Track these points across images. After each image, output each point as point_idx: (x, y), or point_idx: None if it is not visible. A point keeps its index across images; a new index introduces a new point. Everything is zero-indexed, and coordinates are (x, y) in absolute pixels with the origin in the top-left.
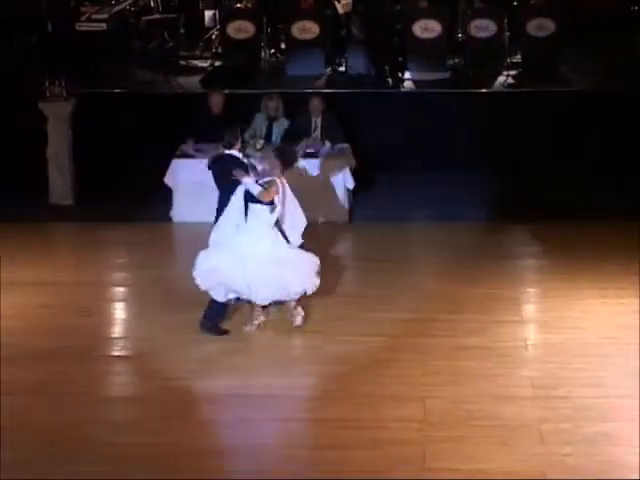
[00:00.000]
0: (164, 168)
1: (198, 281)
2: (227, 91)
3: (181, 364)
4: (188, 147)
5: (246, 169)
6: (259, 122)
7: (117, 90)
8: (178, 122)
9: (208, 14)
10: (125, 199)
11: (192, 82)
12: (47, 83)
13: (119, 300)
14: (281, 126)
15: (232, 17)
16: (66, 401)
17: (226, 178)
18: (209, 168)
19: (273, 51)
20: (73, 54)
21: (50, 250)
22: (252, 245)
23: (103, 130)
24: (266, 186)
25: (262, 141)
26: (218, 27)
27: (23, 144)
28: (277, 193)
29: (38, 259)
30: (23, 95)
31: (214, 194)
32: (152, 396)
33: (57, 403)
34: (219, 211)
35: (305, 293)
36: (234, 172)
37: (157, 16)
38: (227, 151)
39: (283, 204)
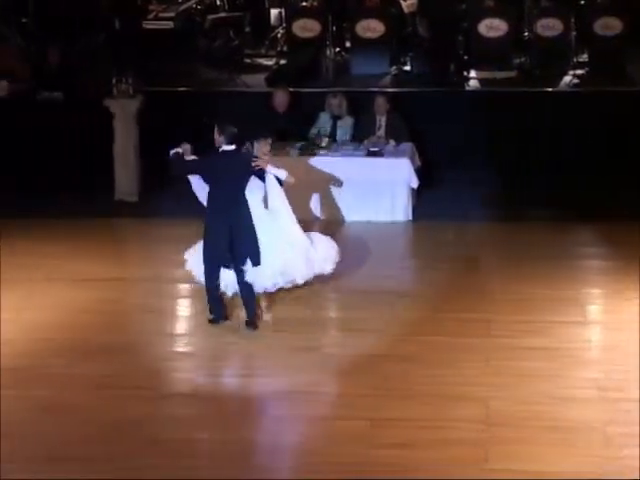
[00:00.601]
0: None
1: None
2: (292, 89)
3: (244, 361)
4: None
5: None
6: (323, 120)
7: (182, 88)
8: (243, 120)
9: (274, 12)
10: (190, 196)
11: (257, 80)
12: (114, 80)
13: (183, 297)
14: (345, 124)
15: (298, 15)
16: (129, 397)
17: (232, 172)
18: (212, 164)
19: (338, 49)
20: (140, 52)
21: (115, 246)
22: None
23: (168, 127)
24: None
25: (327, 139)
26: (284, 25)
27: (90, 141)
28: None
29: (103, 255)
30: (90, 92)
31: None
32: (215, 393)
33: (121, 399)
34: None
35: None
36: (257, 162)
37: (223, 14)
38: (228, 147)
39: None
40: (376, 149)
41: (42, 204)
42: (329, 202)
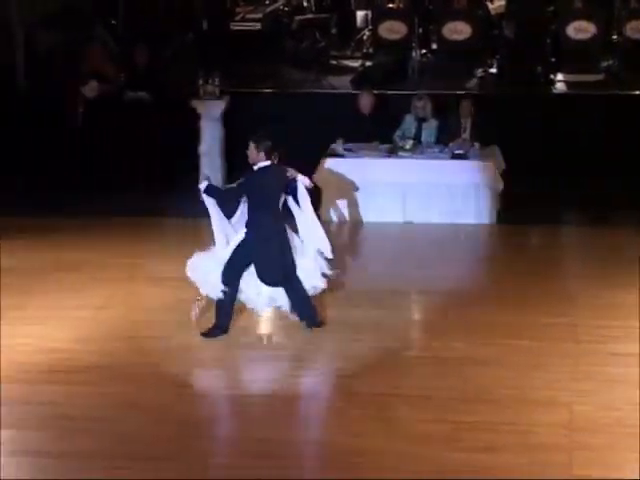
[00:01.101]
0: (314, 167)
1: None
2: (377, 91)
3: (324, 361)
4: (338, 146)
5: None
6: (408, 123)
7: (268, 89)
8: (328, 121)
9: (360, 14)
10: None
11: (343, 82)
12: (201, 81)
13: None
14: (430, 127)
15: (384, 17)
16: (208, 396)
17: (275, 188)
18: (260, 183)
19: (424, 51)
20: (227, 53)
21: (197, 246)
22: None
23: (254, 128)
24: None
25: (411, 141)
26: (370, 27)
27: (175, 141)
28: None
29: (186, 255)
30: (177, 93)
31: (364, 193)
32: (293, 393)
33: (200, 398)
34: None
35: None
36: (290, 173)
37: (310, 16)
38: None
39: None
40: (461, 152)
41: (128, 203)
42: (413, 204)
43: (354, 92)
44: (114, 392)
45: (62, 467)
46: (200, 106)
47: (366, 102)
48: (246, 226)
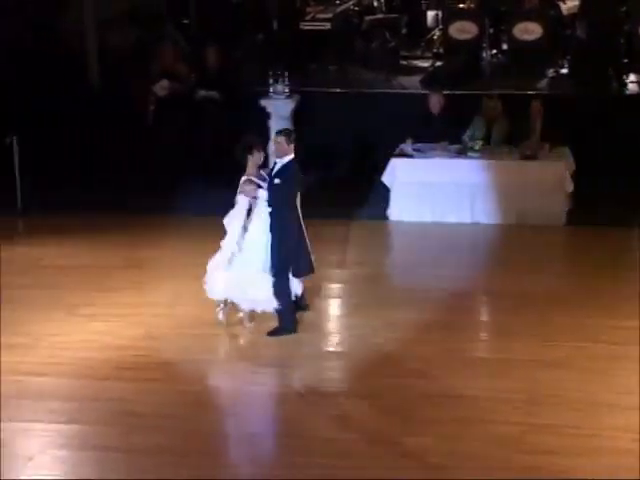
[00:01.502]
0: (383, 167)
1: None
2: (447, 91)
3: (394, 362)
4: (407, 147)
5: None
6: (478, 123)
7: (338, 89)
8: (398, 121)
9: (430, 14)
10: (342, 196)
11: (412, 82)
12: (271, 81)
13: (334, 297)
14: (500, 127)
15: (455, 17)
16: (278, 394)
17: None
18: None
19: (494, 52)
20: (297, 53)
21: None
22: None
23: (323, 128)
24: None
25: (481, 142)
26: (440, 27)
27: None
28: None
29: None
30: (247, 92)
31: (432, 194)
32: (363, 393)
33: (270, 396)
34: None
35: None
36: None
37: (380, 16)
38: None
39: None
40: (530, 153)
41: (197, 202)
42: (481, 205)
43: (424, 92)
44: (182, 389)
45: (130, 463)
46: (269, 105)
47: (436, 102)
48: (282, 223)
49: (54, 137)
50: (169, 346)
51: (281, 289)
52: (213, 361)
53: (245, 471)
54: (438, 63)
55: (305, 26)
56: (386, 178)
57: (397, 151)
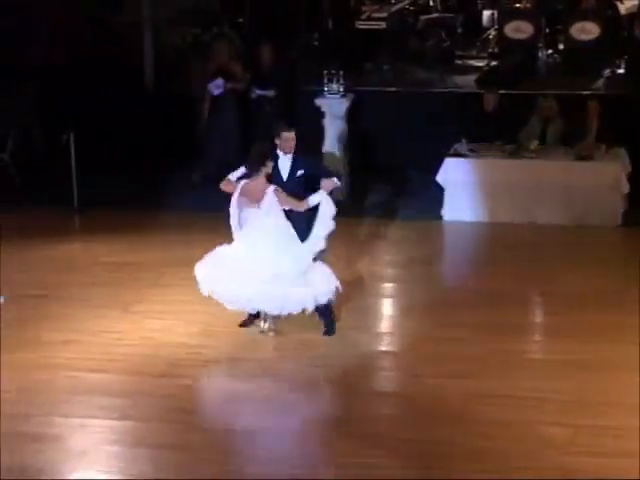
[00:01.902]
0: (437, 166)
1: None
2: (502, 91)
3: (447, 362)
4: (462, 146)
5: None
6: (533, 123)
7: (393, 88)
8: (452, 121)
9: (486, 14)
10: (397, 195)
11: (467, 81)
12: (325, 80)
13: (388, 296)
14: (556, 127)
15: (510, 17)
16: (332, 393)
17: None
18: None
19: (550, 51)
20: (352, 52)
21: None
22: None
23: (377, 127)
24: None
25: (536, 142)
26: (496, 27)
27: (302, 139)
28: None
29: None
30: (302, 90)
31: (486, 194)
32: (415, 392)
33: (318, 394)
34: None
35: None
36: None
37: (435, 15)
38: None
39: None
40: (586, 153)
41: None
42: (537, 206)
43: (479, 92)
44: (237, 388)
45: (183, 461)
46: (324, 104)
47: (491, 102)
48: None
49: (109, 135)
50: (223, 344)
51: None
52: (267, 359)
53: (294, 471)
54: (493, 63)
55: (360, 25)
56: (440, 178)
57: (451, 151)
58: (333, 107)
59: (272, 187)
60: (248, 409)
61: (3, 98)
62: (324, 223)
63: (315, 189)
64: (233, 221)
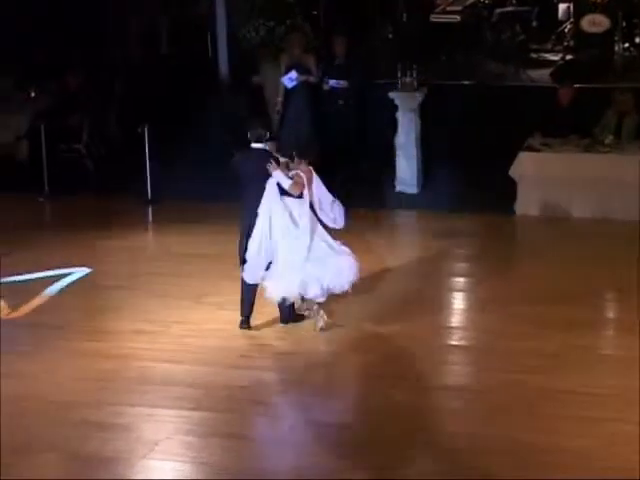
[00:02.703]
0: (510, 160)
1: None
2: (577, 85)
3: (519, 357)
4: (535, 140)
5: (277, 162)
6: (609, 117)
7: (467, 82)
8: (526, 115)
9: (562, 7)
10: (470, 190)
11: (542, 75)
12: (399, 73)
13: (459, 290)
14: (632, 122)
15: (587, 10)
16: (396, 386)
17: (258, 172)
18: (239, 164)
19: (627, 45)
20: (426, 45)
21: (392, 237)
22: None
23: (451, 121)
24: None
25: (611, 136)
26: (571, 20)
27: (374, 132)
28: (303, 186)
29: (380, 245)
30: (375, 84)
31: (560, 189)
32: (484, 387)
33: (387, 387)
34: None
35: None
36: (267, 165)
37: (510, 9)
38: (256, 145)
39: (311, 197)
40: None
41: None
42: (611, 201)
43: (553, 85)
44: (309, 379)
45: (256, 451)
46: (397, 97)
47: (566, 96)
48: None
49: (183, 127)
50: (296, 336)
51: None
52: (338, 352)
53: (367, 465)
54: (569, 56)
55: (435, 18)
56: (513, 172)
57: (525, 145)
58: (406, 100)
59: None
60: (320, 402)
61: (79, 91)
62: None
63: None
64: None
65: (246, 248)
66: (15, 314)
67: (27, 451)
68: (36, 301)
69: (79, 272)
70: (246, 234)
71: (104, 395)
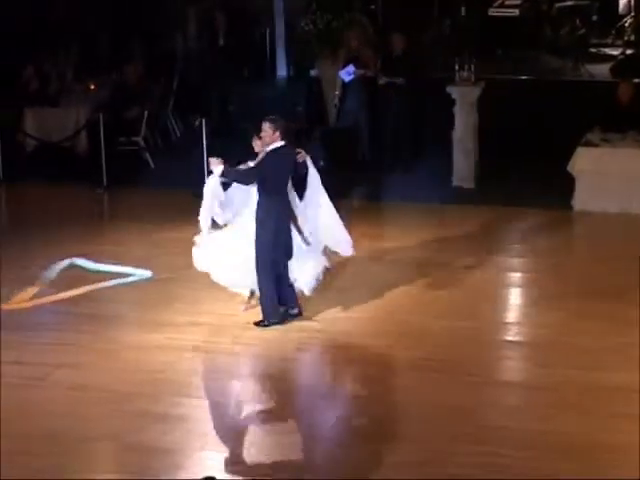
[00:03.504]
0: (568, 155)
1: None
2: (638, 80)
3: (576, 354)
4: (594, 136)
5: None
6: None
7: (525, 76)
8: (585, 110)
9: (622, 1)
10: (527, 185)
11: (602, 70)
12: (457, 67)
13: (515, 286)
14: None
15: None
16: (452, 381)
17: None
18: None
19: None
20: (484, 39)
21: (448, 231)
22: None
23: (508, 115)
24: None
25: None
26: (632, 14)
27: (431, 126)
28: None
29: (436, 240)
30: (432, 78)
31: (618, 184)
32: (542, 383)
33: (443, 382)
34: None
35: None
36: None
37: (569, 3)
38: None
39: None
40: None
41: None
42: None
43: (613, 80)
44: (363, 372)
45: (309, 442)
46: (455, 92)
47: (626, 91)
48: (261, 212)
49: (239, 118)
50: (352, 328)
51: (260, 284)
52: (391, 345)
53: (419, 459)
54: (629, 51)
55: (493, 12)
56: (572, 167)
57: (583, 140)
58: (464, 95)
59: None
60: (375, 395)
61: (138, 83)
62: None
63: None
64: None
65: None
66: (71, 304)
67: (86, 440)
68: (91, 291)
69: (142, 274)
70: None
71: (161, 387)
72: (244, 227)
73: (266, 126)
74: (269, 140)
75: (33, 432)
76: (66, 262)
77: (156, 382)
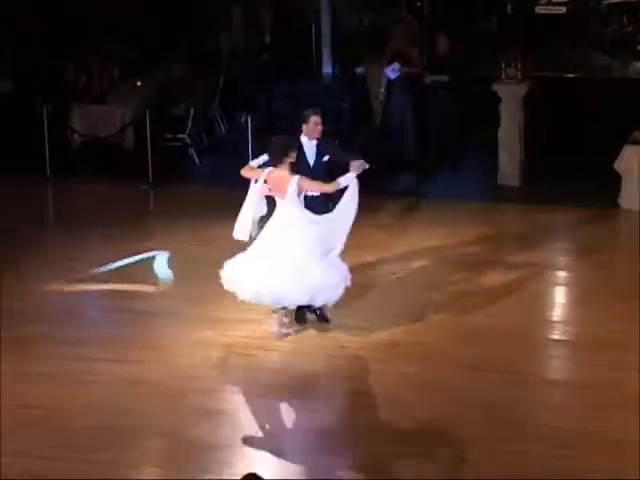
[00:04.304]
0: (615, 154)
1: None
2: None
3: (622, 353)
4: None
5: None
6: None
7: (572, 74)
8: (633, 108)
9: None
10: (573, 183)
11: None
12: (503, 65)
13: (560, 284)
14: None
15: None
16: (500, 380)
17: None
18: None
19: None
20: (530, 37)
21: (493, 230)
22: None
23: (554, 113)
24: None
25: None
26: None
27: (477, 124)
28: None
29: (480, 238)
30: (478, 76)
31: None
32: (589, 382)
33: (491, 381)
34: None
35: None
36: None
37: (618, 0)
38: None
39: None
40: None
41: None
42: None
43: None
44: (405, 371)
45: (354, 438)
46: (501, 90)
47: None
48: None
49: (283, 116)
50: (395, 326)
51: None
52: (431, 343)
53: (449, 454)
54: None
55: (540, 10)
56: (618, 165)
57: (631, 138)
58: (510, 93)
59: (296, 177)
60: (417, 395)
61: (184, 80)
62: (351, 205)
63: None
64: (250, 210)
65: None
66: (124, 300)
67: (139, 434)
68: (142, 288)
69: (160, 254)
70: None
71: (212, 382)
72: (271, 245)
73: (319, 119)
74: (320, 132)
75: (90, 426)
76: (148, 255)
77: (207, 378)
